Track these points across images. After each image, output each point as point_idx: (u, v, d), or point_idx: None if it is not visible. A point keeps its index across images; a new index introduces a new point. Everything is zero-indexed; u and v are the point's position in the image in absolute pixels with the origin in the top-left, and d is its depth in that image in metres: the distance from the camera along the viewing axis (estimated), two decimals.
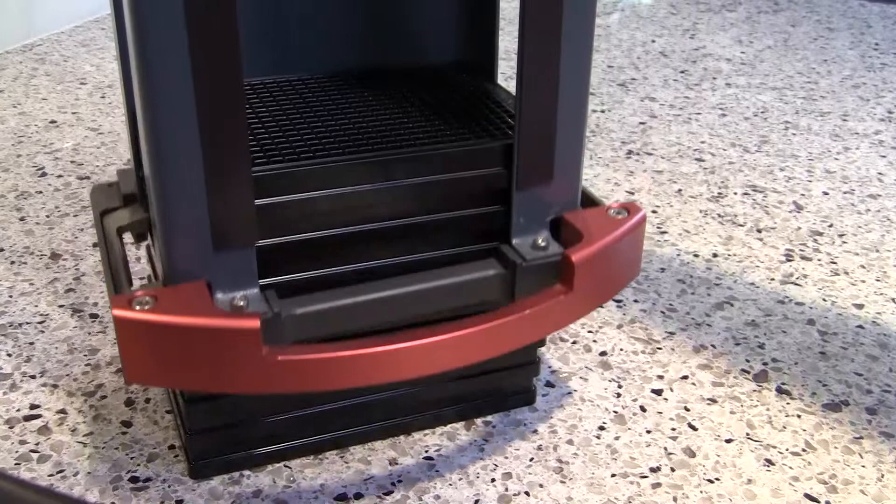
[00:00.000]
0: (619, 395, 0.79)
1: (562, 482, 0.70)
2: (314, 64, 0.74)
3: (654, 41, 1.70)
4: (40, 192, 1.10)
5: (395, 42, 0.75)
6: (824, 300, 0.93)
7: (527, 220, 0.66)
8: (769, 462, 0.73)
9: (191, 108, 0.55)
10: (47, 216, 1.05)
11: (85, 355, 0.82)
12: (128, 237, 0.69)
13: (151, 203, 0.59)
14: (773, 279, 0.97)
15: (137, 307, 0.56)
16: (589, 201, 0.70)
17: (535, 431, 0.75)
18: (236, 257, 0.59)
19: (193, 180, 0.56)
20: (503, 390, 0.76)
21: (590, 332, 0.87)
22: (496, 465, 0.71)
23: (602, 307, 0.91)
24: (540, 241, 0.66)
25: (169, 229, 0.57)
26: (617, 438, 0.75)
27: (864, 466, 0.72)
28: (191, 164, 0.56)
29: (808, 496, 0.69)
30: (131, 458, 0.71)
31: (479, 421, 0.76)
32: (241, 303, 0.59)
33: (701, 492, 0.70)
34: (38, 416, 0.75)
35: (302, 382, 0.58)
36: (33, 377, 0.80)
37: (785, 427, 0.76)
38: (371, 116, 0.69)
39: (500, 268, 0.65)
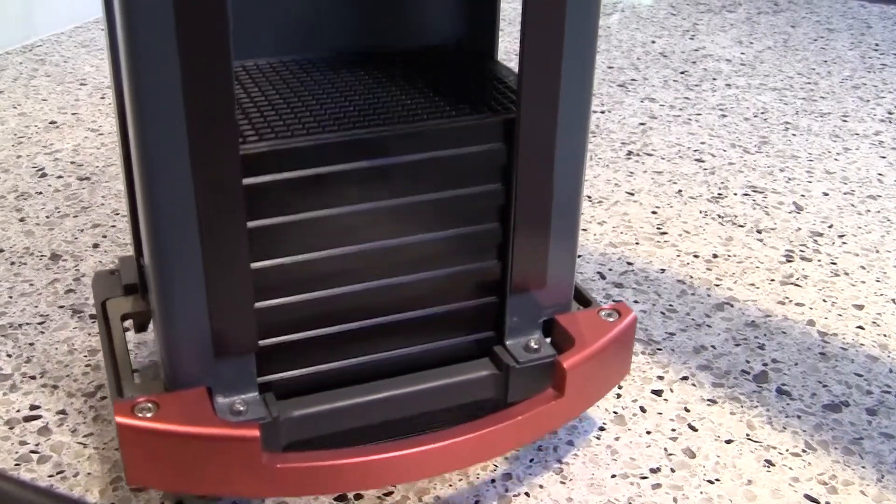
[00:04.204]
0: (619, 395, 0.79)
1: (562, 482, 0.70)
2: (314, 46, 0.73)
3: (653, 42, 1.70)
4: (40, 193, 1.10)
5: (395, 23, 0.74)
6: (824, 300, 0.93)
7: (520, 321, 0.68)
8: (769, 463, 0.73)
9: (192, 210, 0.56)
10: (47, 217, 1.05)
11: (85, 356, 0.82)
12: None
13: (153, 308, 0.60)
14: (773, 280, 0.97)
15: (139, 414, 0.58)
16: (581, 298, 0.72)
17: None
18: (236, 363, 0.61)
19: (194, 289, 0.58)
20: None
21: None
22: (496, 466, 0.71)
23: None
24: (532, 343, 0.68)
25: (171, 338, 0.59)
26: (617, 439, 0.75)
27: (864, 467, 0.72)
28: (191, 270, 0.57)
29: (808, 497, 0.69)
30: None
31: None
32: (241, 407, 0.61)
33: (701, 492, 0.70)
34: (38, 417, 0.75)
35: (301, 488, 0.61)
36: (33, 378, 0.80)
37: (785, 428, 0.76)
38: (370, 96, 0.67)
39: (493, 369, 0.67)
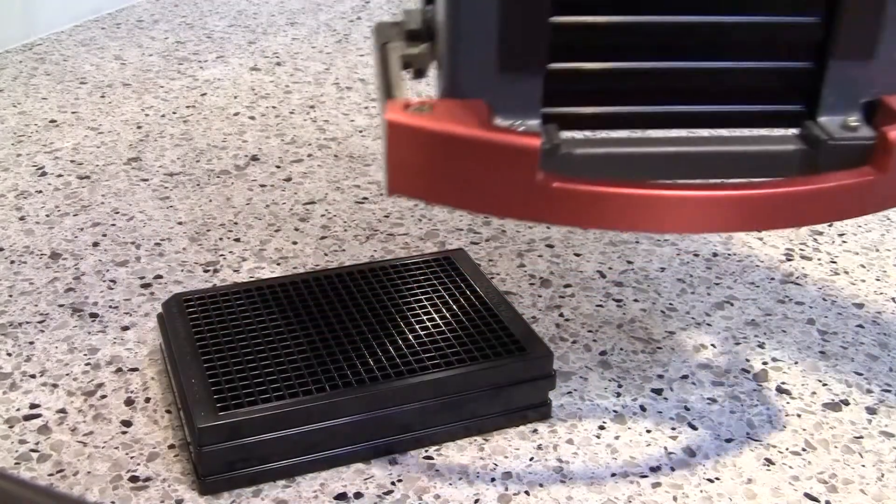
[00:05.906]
0: (619, 394, 0.79)
1: (562, 482, 0.70)
2: None
3: None
4: (40, 192, 1.10)
5: None
6: (824, 300, 0.93)
7: (838, 99, 0.60)
8: (769, 461, 0.73)
9: None
10: (47, 216, 1.05)
11: (85, 355, 0.82)
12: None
13: (438, 11, 0.55)
14: (773, 279, 0.97)
15: (412, 112, 0.53)
16: None
17: (535, 431, 0.75)
18: (522, 81, 0.55)
19: None
20: (519, 404, 0.75)
21: (590, 331, 0.87)
22: (496, 465, 0.71)
23: (601, 306, 0.91)
24: (851, 121, 0.60)
25: (454, 41, 0.54)
26: (617, 438, 0.75)
27: (864, 466, 0.72)
28: None
29: (808, 496, 0.69)
30: (131, 458, 0.71)
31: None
32: (521, 129, 0.56)
33: (701, 491, 0.70)
34: (37, 416, 0.75)
35: (571, 216, 0.54)
36: (33, 377, 0.80)
37: (785, 426, 0.76)
38: None
39: (802, 144, 0.60)
